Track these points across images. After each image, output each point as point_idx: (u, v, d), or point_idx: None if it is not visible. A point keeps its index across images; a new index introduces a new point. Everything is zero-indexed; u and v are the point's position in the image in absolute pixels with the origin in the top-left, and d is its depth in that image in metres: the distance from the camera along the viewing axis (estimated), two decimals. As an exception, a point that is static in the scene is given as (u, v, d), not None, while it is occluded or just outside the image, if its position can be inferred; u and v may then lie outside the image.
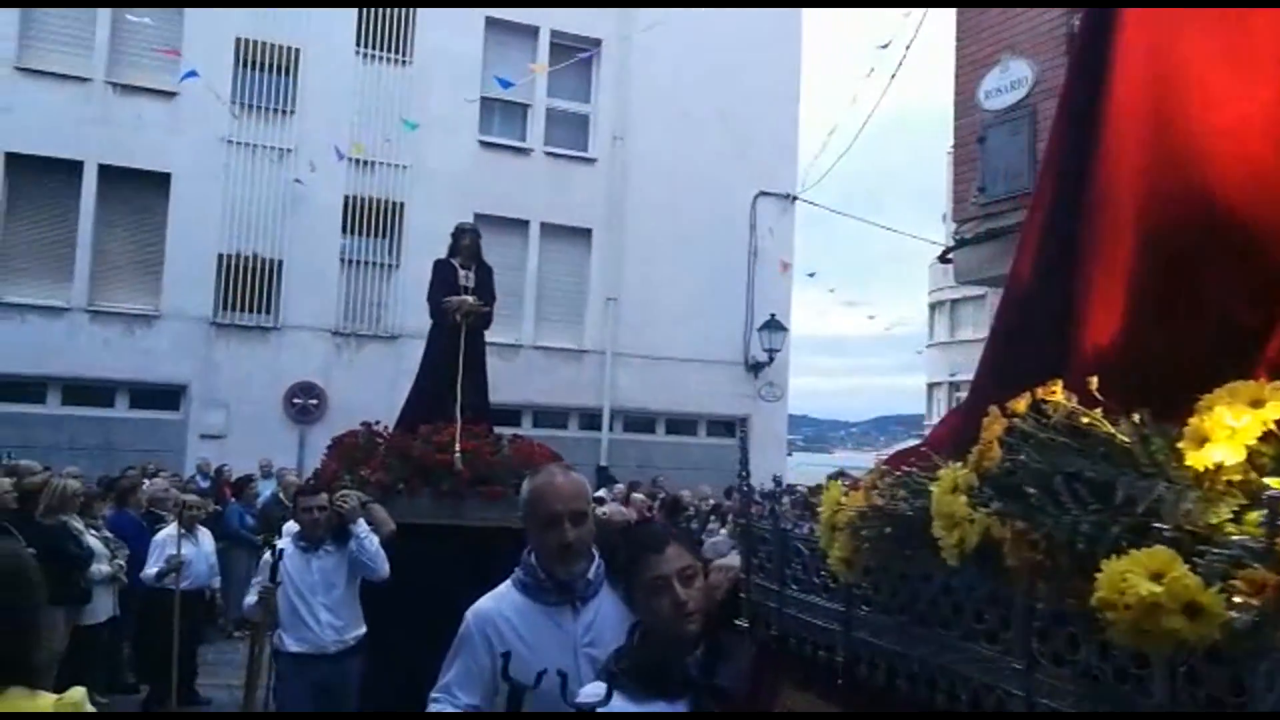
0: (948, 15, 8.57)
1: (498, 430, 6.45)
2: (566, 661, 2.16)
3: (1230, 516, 1.10)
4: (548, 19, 15.98)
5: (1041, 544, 1.22)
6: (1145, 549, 1.08)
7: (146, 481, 9.14)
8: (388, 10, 15.25)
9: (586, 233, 16.29)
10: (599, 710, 1.91)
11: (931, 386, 32.88)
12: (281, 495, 10.02)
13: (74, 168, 13.73)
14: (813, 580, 1.87)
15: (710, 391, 16.51)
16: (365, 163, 14.70)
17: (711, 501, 12.03)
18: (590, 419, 16.13)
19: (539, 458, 6.21)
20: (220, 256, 14.21)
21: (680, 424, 17.08)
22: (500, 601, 2.37)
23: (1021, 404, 1.45)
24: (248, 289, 14.36)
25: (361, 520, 4.93)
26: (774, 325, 16.43)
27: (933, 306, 32.41)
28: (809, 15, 18.17)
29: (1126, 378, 1.42)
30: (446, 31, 15.35)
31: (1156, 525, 1.12)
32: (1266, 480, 1.11)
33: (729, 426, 17.33)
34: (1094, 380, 1.38)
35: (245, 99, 14.42)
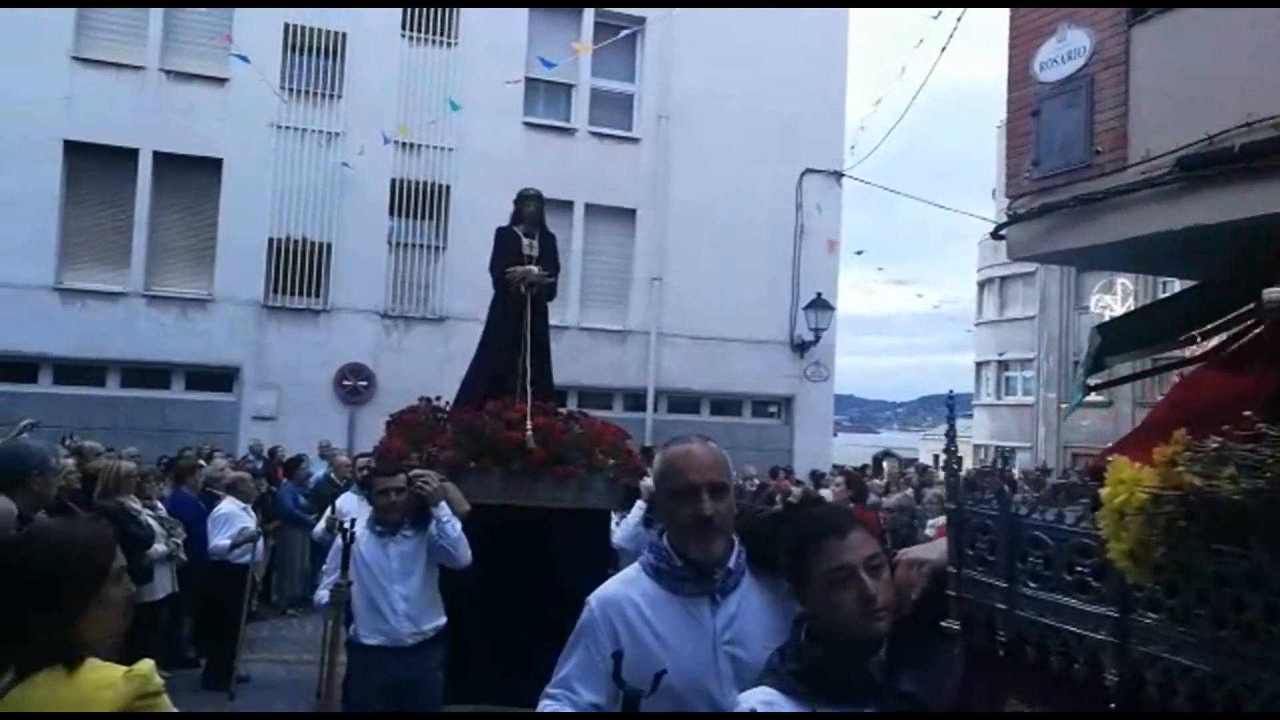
0: (1000, -15, 8.34)
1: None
2: (703, 659, 2.00)
3: None
4: (591, -2, 15.90)
5: None
6: None
7: (204, 463, 9.36)
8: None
9: (631, 213, 16.24)
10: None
11: (980, 365, 32.40)
12: (333, 475, 10.18)
13: (130, 155, 14.00)
14: (1062, 577, 1.59)
15: (756, 371, 16.42)
16: (411, 145, 14.79)
17: (757, 482, 12.01)
18: (635, 399, 16.14)
19: (609, 436, 6.12)
20: (270, 240, 14.43)
21: (725, 404, 17.02)
22: (629, 586, 2.13)
23: None
24: (298, 272, 14.56)
25: (443, 503, 4.60)
26: (820, 304, 16.27)
27: (982, 284, 31.88)
28: (856, -12, 17.83)
29: None
30: (491, 13, 15.35)
31: None
32: None
33: (774, 407, 17.25)
34: None
35: (293, 84, 14.57)
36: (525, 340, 6.14)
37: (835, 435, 21.03)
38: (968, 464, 29.08)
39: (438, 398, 6.40)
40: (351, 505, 6.76)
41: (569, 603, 5.31)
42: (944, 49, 12.11)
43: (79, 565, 1.96)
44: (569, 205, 15.54)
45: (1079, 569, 1.54)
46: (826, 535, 1.82)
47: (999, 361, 31.12)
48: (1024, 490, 11.02)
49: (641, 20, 16.15)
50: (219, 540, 7.09)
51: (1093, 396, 11.99)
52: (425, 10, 15.25)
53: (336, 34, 14.75)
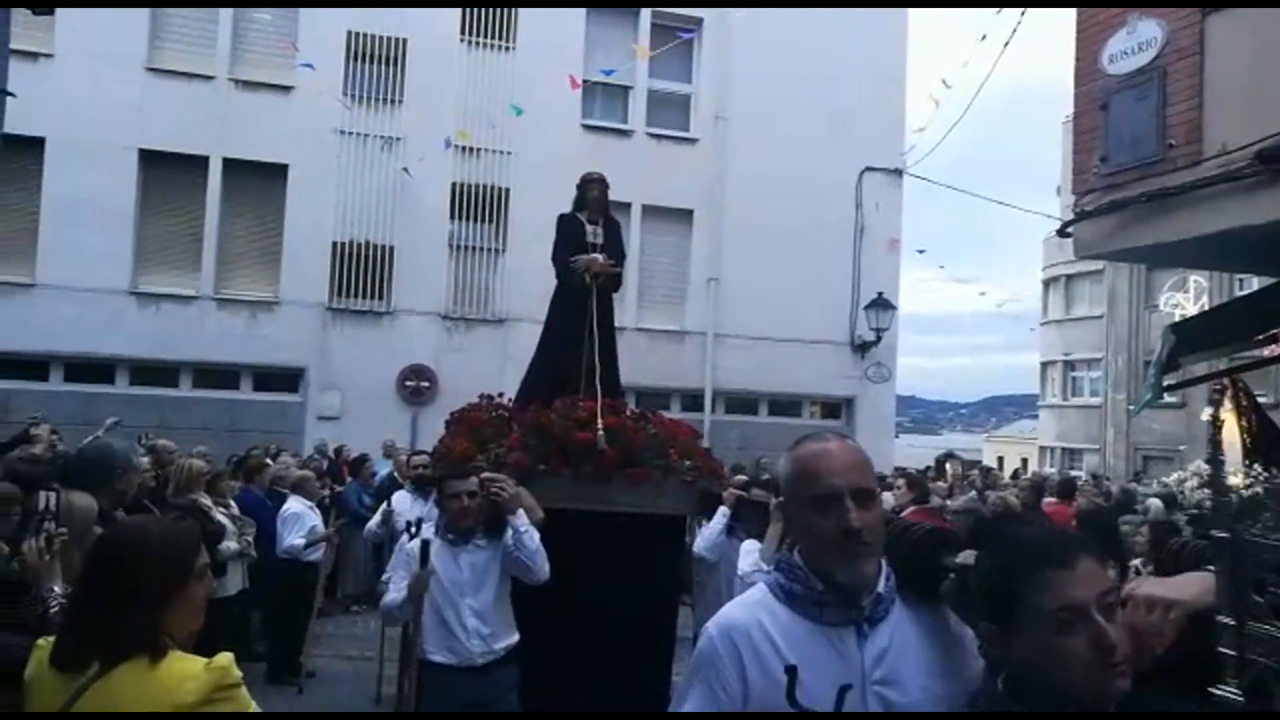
0: (1067, -23, 8.14)
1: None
2: (850, 702, 1.69)
3: None
4: (648, -1, 15.93)
5: None
6: None
7: (270, 462, 9.57)
8: (491, -2, 15.43)
9: (688, 214, 16.22)
10: None
11: (1045, 365, 31.70)
12: (396, 475, 10.33)
13: (200, 163, 14.40)
14: None
15: (815, 372, 16.28)
16: (471, 150, 14.98)
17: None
18: (692, 400, 16.12)
19: (683, 436, 5.76)
20: (334, 244, 14.72)
21: (784, 405, 16.90)
22: (755, 611, 1.80)
23: None
24: (361, 275, 14.83)
25: (521, 511, 4.23)
26: (881, 304, 16.06)
27: (1046, 283, 31.20)
28: (916, -17, 17.57)
29: None
30: (548, 16, 15.47)
31: None
32: None
33: (834, 408, 17.08)
34: None
35: (356, 90, 14.85)
36: (591, 334, 5.75)
37: (897, 437, 20.75)
38: (1033, 466, 28.50)
39: (499, 394, 6.17)
40: (405, 504, 6.84)
41: (642, 616, 5.11)
42: (1007, 44, 11.88)
43: (167, 560, 2.03)
44: (626, 207, 15.54)
45: None
46: (1047, 565, 1.47)
47: (1065, 361, 30.41)
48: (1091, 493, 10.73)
49: (699, 21, 16.12)
50: (293, 540, 7.25)
51: (1165, 398, 11.64)
52: (484, 15, 15.42)
53: (397, 40, 14.99)
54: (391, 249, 14.93)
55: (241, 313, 14.52)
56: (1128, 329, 26.66)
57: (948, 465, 14.44)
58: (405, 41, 15.03)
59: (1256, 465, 8.90)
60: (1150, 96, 6.72)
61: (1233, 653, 1.40)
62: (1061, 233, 8.22)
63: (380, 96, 14.98)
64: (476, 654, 4.14)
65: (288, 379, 14.76)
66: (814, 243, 16.02)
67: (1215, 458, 1.65)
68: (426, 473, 6.93)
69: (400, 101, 15.01)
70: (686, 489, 5.43)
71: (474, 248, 15.38)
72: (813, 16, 16.00)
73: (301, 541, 7.28)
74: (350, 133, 14.76)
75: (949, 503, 7.19)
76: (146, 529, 2.18)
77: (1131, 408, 23.24)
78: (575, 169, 16.22)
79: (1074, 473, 20.14)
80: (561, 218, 6.17)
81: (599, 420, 5.23)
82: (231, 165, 14.53)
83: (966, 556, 1.73)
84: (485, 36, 15.42)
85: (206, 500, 6.66)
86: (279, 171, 14.66)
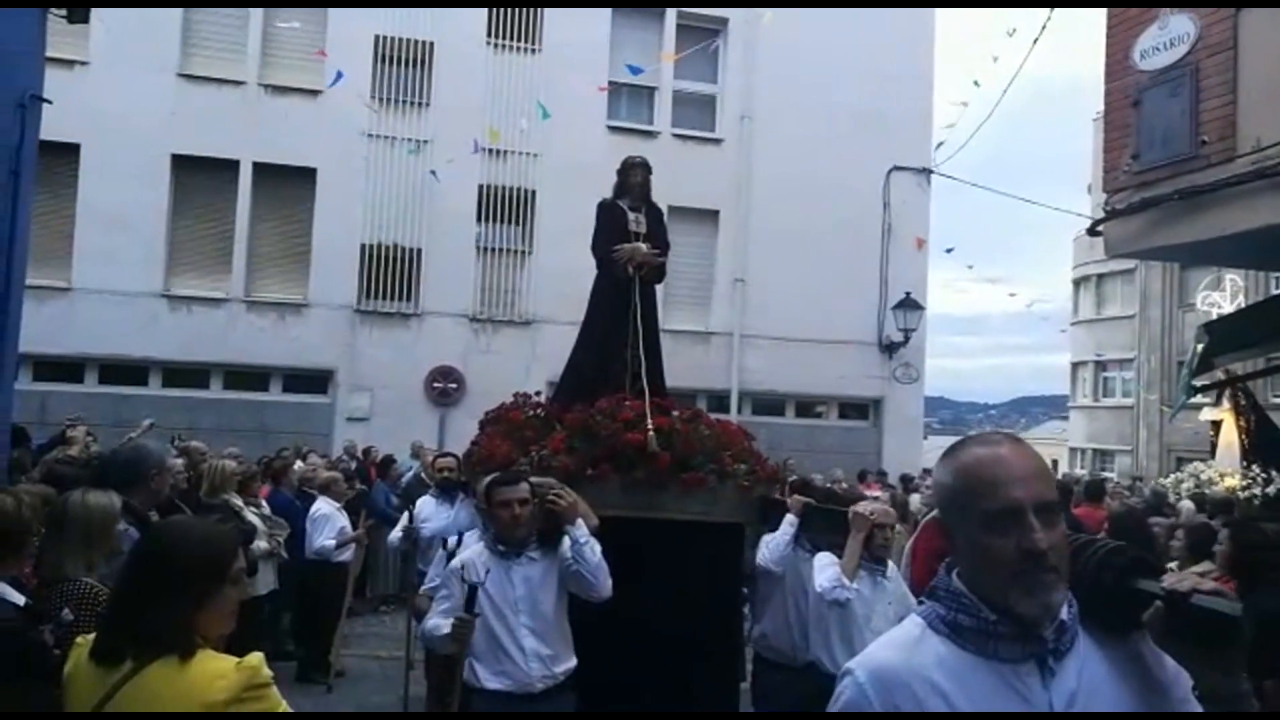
0: (1097, -28, 8.05)
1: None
2: None
3: None
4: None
5: None
6: None
7: (299, 463, 9.65)
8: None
9: (714, 214, 16.20)
10: None
11: (1076, 366, 31.33)
12: (423, 475, 10.36)
13: (231, 166, 14.58)
14: None
15: (842, 373, 16.19)
16: (498, 152, 15.05)
17: (844, 486, 11.82)
18: (718, 401, 16.08)
19: (737, 438, 5.40)
20: (363, 246, 14.83)
21: (811, 406, 16.83)
22: (912, 651, 1.52)
23: None
24: (389, 277, 14.94)
25: (581, 520, 3.87)
26: (909, 304, 15.95)
27: (1077, 282, 30.83)
28: (943, -19, 17.44)
29: None
30: (573, 18, 15.51)
31: None
32: None
33: (862, 409, 16.98)
34: None
35: (383, 94, 14.97)
36: (635, 328, 5.36)
37: (925, 438, 20.60)
38: (1063, 467, 28.18)
39: (537, 393, 5.90)
40: (430, 509, 6.51)
41: (703, 636, 4.80)
42: (1036, 40, 11.75)
43: (205, 560, 2.07)
44: (652, 208, 15.56)
45: None
46: None
47: (1096, 362, 30.04)
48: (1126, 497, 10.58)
49: (724, 22, 16.09)
50: (324, 541, 7.31)
51: (1199, 398, 11.46)
52: (509, 18, 15.49)
53: (424, 43, 15.09)
54: (419, 251, 15.02)
55: (271, 315, 14.67)
56: (1161, 328, 26.29)
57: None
58: (432, 45, 15.12)
59: (1255, 467, 8.78)
60: (1182, 93, 6.64)
61: None
62: (1092, 231, 8.13)
63: (407, 100, 15.08)
64: (535, 678, 3.75)
65: (317, 380, 14.90)
66: (841, 243, 15.93)
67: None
68: (453, 475, 6.69)
69: (427, 105, 15.10)
70: (743, 495, 5.04)
71: (501, 250, 15.44)
72: (837, 16, 15.92)
73: (332, 542, 7.34)
74: (378, 136, 14.88)
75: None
76: (190, 528, 2.22)
77: (1166, 408, 22.90)
78: (601, 170, 16.21)
79: (1105, 474, 19.89)
80: (602, 205, 5.82)
81: (649, 421, 4.84)
82: (261, 169, 14.69)
83: (1183, 581, 1.50)
84: (511, 39, 15.49)
85: (238, 501, 6.74)
86: (308, 175, 14.80)
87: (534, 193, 15.34)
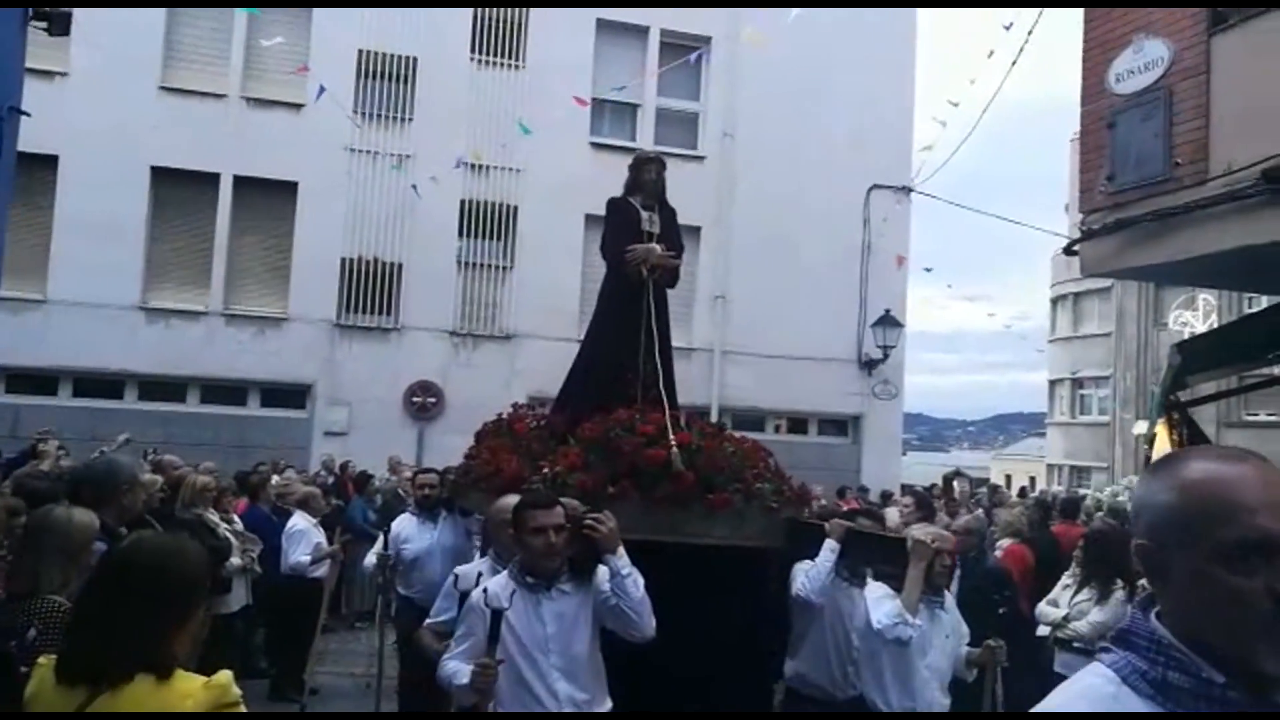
0: (1073, -4, 8.18)
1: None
2: None
3: None
4: (658, 19, 16.02)
5: None
6: None
7: (276, 477, 9.57)
8: (501, 16, 15.57)
9: (695, 231, 16.22)
10: None
11: (1054, 384, 31.61)
12: (401, 491, 10.29)
13: (211, 180, 14.51)
14: None
15: (822, 389, 16.26)
16: (480, 167, 15.06)
17: (823, 502, 11.85)
18: (699, 417, 16.07)
19: (756, 456, 4.99)
20: (343, 260, 14.79)
21: (791, 423, 16.88)
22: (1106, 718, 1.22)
23: None
24: (369, 291, 14.90)
25: (622, 550, 3.41)
26: (889, 321, 16.05)
27: (1054, 301, 31.17)
28: None
29: None
30: (558, 35, 15.58)
31: None
32: None
33: (841, 425, 17.04)
34: None
35: (366, 108, 14.96)
36: (650, 333, 5.01)
37: (904, 454, 20.69)
38: (1040, 484, 28.37)
39: (542, 404, 5.55)
40: (410, 529, 6.16)
41: (723, 671, 4.28)
42: (1014, 62, 11.90)
43: (184, 579, 2.04)
44: (634, 224, 15.60)
45: None
46: None
47: (1073, 379, 30.32)
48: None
49: (707, 40, 16.21)
50: (300, 556, 7.24)
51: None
52: (493, 33, 15.54)
53: (407, 58, 15.10)
54: (400, 265, 14.99)
55: (250, 329, 14.58)
56: (1136, 347, 26.57)
57: (955, 483, 14.35)
58: (415, 60, 15.14)
59: None
60: (1156, 116, 6.74)
61: None
62: (1068, 251, 8.22)
63: (390, 114, 15.08)
64: None
65: (295, 395, 14.81)
66: (821, 260, 16.04)
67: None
68: (434, 493, 6.29)
69: (410, 119, 15.11)
70: (770, 517, 4.62)
71: (482, 265, 15.43)
72: (820, 35, 16.07)
73: (308, 558, 7.27)
74: (360, 150, 14.86)
75: (954, 522, 7.13)
76: (164, 545, 2.18)
77: (1138, 432, 23.14)
78: (583, 186, 16.34)
79: (1082, 491, 20.02)
80: (613, 202, 5.40)
81: (671, 435, 4.46)
82: (242, 182, 14.63)
83: None
84: (495, 55, 15.53)
85: (214, 516, 6.67)
86: (289, 188, 14.75)
87: (516, 208, 15.35)
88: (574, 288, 14.79)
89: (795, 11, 14.15)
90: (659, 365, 5.01)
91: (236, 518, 7.23)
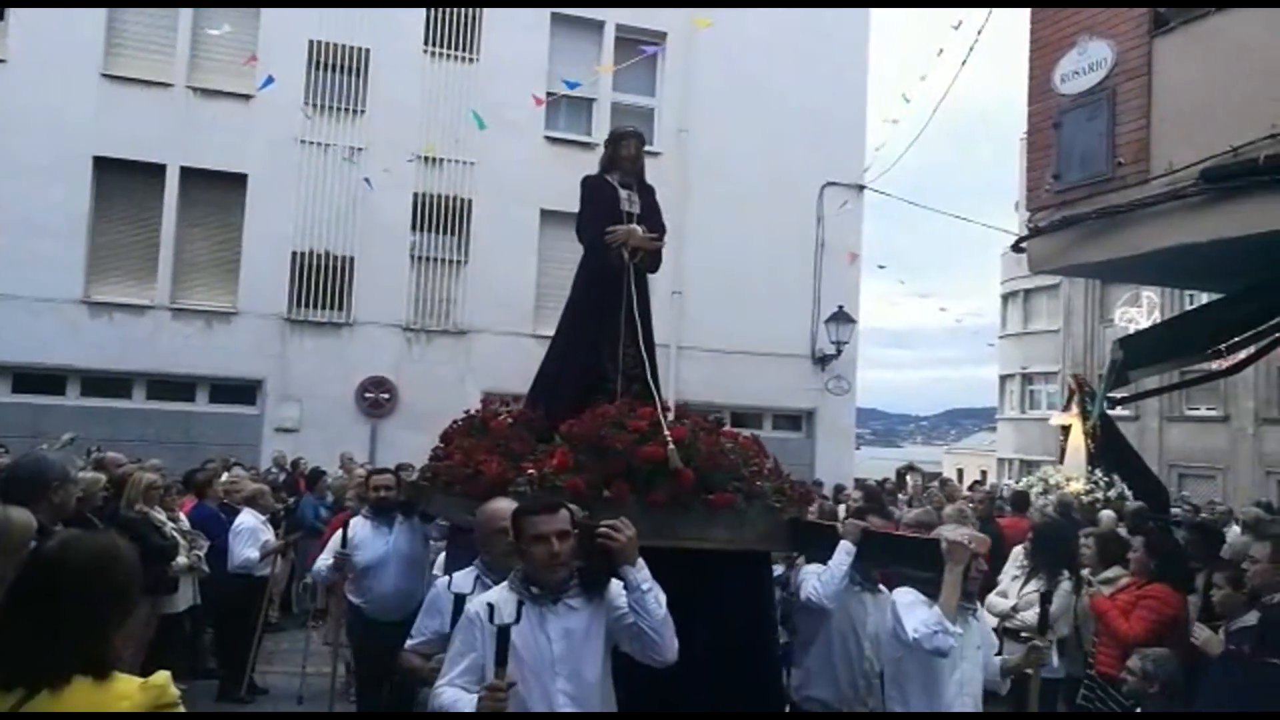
0: (1022, -3, 8.32)
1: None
2: None
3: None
4: (613, 14, 16.00)
5: None
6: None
7: (225, 474, 9.39)
8: (455, 10, 15.43)
9: (651, 226, 16.27)
10: None
11: (1004, 379, 32.19)
12: (349, 494, 9.98)
13: (157, 171, 14.19)
14: None
15: (776, 385, 16.37)
16: (433, 160, 14.91)
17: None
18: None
19: (757, 452, 4.68)
20: (294, 254, 14.56)
21: (746, 417, 16.95)
22: None
23: None
24: (321, 286, 14.68)
25: (641, 562, 3.03)
26: (842, 317, 16.21)
27: (1005, 297, 31.74)
28: None
29: None
30: (513, 29, 15.48)
31: None
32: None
33: (795, 420, 17.19)
34: None
35: (317, 100, 14.74)
36: (633, 322, 4.69)
37: (858, 449, 20.91)
38: (991, 478, 28.88)
39: (516, 399, 5.16)
40: (364, 534, 5.60)
41: (731, 685, 3.97)
42: (964, 61, 12.08)
43: (121, 579, 2.00)
44: (589, 219, 15.56)
45: None
46: None
47: (1023, 375, 30.90)
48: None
49: (663, 35, 16.21)
50: (248, 553, 7.11)
51: (1119, 410, 11.84)
52: (448, 26, 15.38)
53: (360, 50, 14.90)
54: (352, 259, 14.80)
55: (198, 323, 14.30)
56: (1083, 343, 27.14)
57: (909, 477, 14.57)
58: (368, 51, 14.95)
59: (1098, 471, 9.14)
60: (1100, 116, 6.89)
61: None
62: (1016, 248, 8.38)
63: (342, 106, 14.87)
64: None
65: (245, 391, 14.56)
66: (775, 256, 16.15)
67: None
68: (390, 495, 5.70)
69: (362, 111, 14.91)
70: (773, 518, 4.32)
71: (436, 259, 15.28)
72: (774, 33, 16.17)
73: (255, 554, 7.14)
74: (311, 142, 14.63)
75: (905, 515, 7.21)
76: (98, 545, 2.12)
77: (1054, 424, 23.67)
78: (538, 180, 16.28)
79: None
80: (588, 181, 4.99)
81: (666, 431, 4.10)
82: (189, 174, 14.32)
83: None
84: (449, 48, 15.39)
85: (160, 514, 6.54)
86: (238, 181, 14.48)
87: (470, 202, 15.23)
88: (529, 282, 14.72)
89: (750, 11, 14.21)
90: (643, 355, 4.71)
91: (183, 516, 7.09)
